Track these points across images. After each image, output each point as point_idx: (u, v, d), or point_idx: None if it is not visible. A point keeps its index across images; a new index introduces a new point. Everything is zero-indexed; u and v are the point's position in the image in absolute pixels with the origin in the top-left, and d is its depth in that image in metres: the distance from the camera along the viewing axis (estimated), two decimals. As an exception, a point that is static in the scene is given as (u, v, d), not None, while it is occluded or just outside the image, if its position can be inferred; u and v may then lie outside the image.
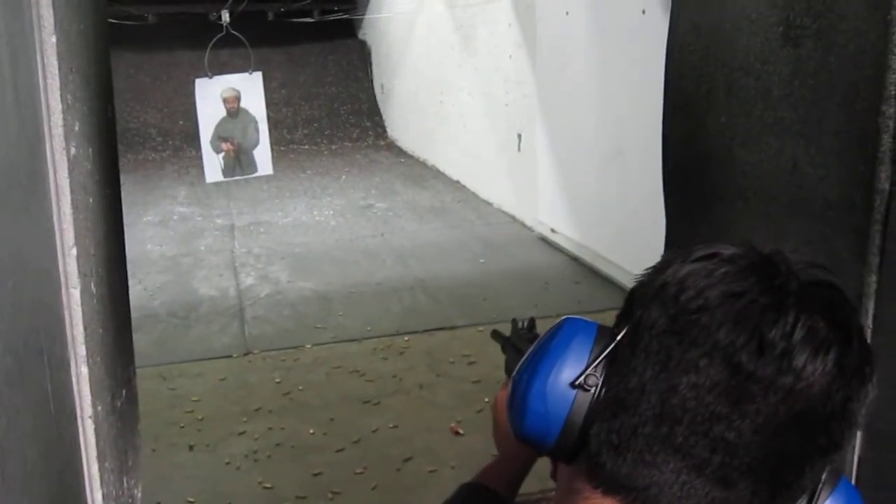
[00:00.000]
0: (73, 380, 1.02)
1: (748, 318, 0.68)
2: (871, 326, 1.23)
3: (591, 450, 0.73)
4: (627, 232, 5.86)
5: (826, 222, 1.35)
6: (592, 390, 0.74)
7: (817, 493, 0.75)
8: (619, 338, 0.74)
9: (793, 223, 1.43)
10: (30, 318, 0.82)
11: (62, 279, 0.99)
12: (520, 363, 0.80)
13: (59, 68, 0.97)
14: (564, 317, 0.81)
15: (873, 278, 1.23)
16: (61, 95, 0.98)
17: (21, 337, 0.76)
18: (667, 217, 1.83)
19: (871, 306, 1.24)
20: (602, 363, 0.74)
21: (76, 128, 1.05)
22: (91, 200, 1.13)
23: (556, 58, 6.93)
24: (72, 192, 1.00)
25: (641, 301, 0.74)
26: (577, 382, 0.74)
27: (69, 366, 1.01)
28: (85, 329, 1.03)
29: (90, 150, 1.14)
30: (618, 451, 0.71)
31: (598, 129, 6.30)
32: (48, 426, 0.87)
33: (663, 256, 0.77)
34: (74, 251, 1.01)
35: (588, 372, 0.74)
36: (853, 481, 1.28)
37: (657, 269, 0.75)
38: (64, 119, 0.99)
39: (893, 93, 1.18)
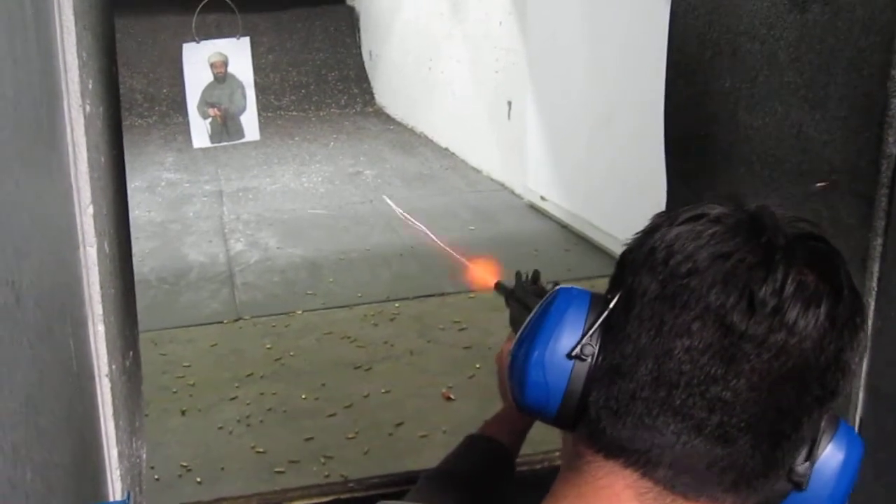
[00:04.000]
0: (91, 338, 1.03)
1: (737, 278, 0.69)
2: (875, 289, 1.25)
3: (591, 416, 0.74)
4: (617, 199, 5.87)
5: (831, 187, 1.36)
6: (589, 359, 0.75)
7: (818, 440, 0.76)
8: (611, 306, 0.75)
9: (797, 188, 1.43)
10: (53, 275, 0.83)
11: (80, 238, 1.00)
12: (517, 335, 0.81)
13: (75, 24, 0.97)
14: (558, 287, 0.81)
15: (879, 241, 1.24)
16: (77, 52, 0.97)
17: (47, 294, 0.77)
18: (668, 182, 1.83)
19: (875, 269, 1.25)
20: (597, 332, 0.75)
21: (90, 85, 1.04)
22: (102, 160, 1.13)
23: (547, 24, 6.90)
24: (87, 150, 1.00)
25: (632, 267, 0.75)
26: (573, 353, 0.75)
27: (87, 324, 1.01)
28: (101, 288, 1.03)
29: (101, 108, 1.14)
30: (617, 416, 0.72)
31: (589, 97, 6.29)
32: (72, 383, 0.88)
33: (651, 220, 0.77)
34: (91, 210, 1.01)
35: (584, 342, 0.75)
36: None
37: (646, 233, 0.76)
38: (80, 76, 0.98)
39: (903, 57, 1.19)
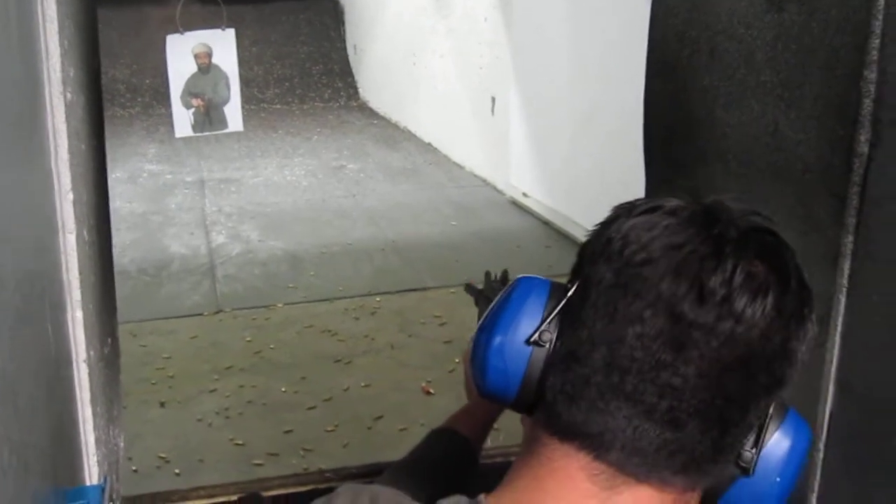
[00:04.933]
0: (69, 324, 1.03)
1: (688, 268, 0.70)
2: (846, 286, 1.27)
3: (548, 400, 0.76)
4: (599, 196, 5.89)
5: (804, 185, 1.37)
6: (547, 345, 0.77)
7: (765, 426, 0.78)
8: (569, 294, 0.77)
9: (771, 185, 1.45)
10: (33, 260, 0.83)
11: (59, 224, 1.00)
12: (479, 323, 0.83)
13: (57, 12, 0.97)
14: (519, 276, 0.83)
15: (850, 239, 1.26)
16: (59, 40, 0.98)
17: (27, 278, 0.77)
18: (647, 180, 1.85)
19: (846, 266, 1.27)
20: (555, 319, 0.77)
21: (71, 73, 1.05)
22: (83, 147, 1.13)
23: (532, 20, 6.91)
24: (68, 137, 1.01)
25: (589, 257, 0.77)
26: (532, 339, 0.77)
27: (65, 310, 1.02)
28: (80, 274, 1.04)
29: (82, 97, 1.15)
30: (572, 400, 0.74)
31: (572, 94, 6.32)
32: (50, 367, 0.89)
33: (611, 211, 0.79)
34: (71, 196, 1.01)
35: (542, 328, 0.77)
36: (824, 436, 1.31)
37: (604, 225, 0.78)
38: (61, 64, 0.99)
39: (875, 58, 1.20)
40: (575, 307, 0.76)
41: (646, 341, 0.71)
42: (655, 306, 0.71)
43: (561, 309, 0.77)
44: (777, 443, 0.79)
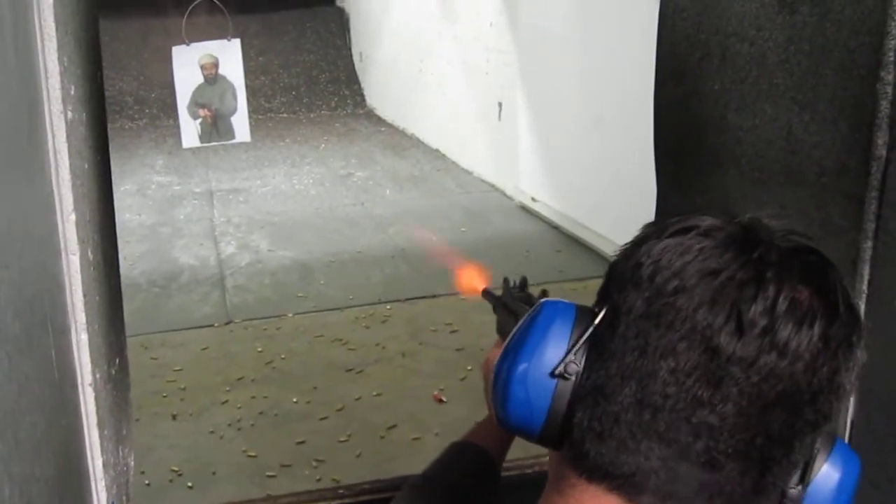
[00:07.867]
0: (74, 347, 1.02)
1: (725, 297, 0.65)
2: (865, 292, 1.24)
3: (575, 437, 0.72)
4: (608, 200, 5.87)
5: (820, 188, 1.35)
6: (573, 378, 0.72)
7: (812, 461, 0.73)
8: (596, 322, 0.72)
9: (786, 189, 1.43)
10: (34, 284, 0.82)
11: (62, 245, 0.98)
12: (502, 350, 0.78)
13: (56, 29, 0.96)
14: (542, 300, 0.78)
15: (869, 244, 1.24)
16: (58, 57, 0.96)
17: (27, 304, 0.76)
18: (658, 185, 1.83)
19: (866, 272, 1.24)
20: (582, 348, 0.72)
21: (72, 91, 1.03)
22: (86, 166, 1.11)
23: (538, 25, 6.89)
24: (69, 156, 0.99)
25: (618, 282, 0.72)
26: (556, 372, 0.72)
27: (70, 333, 1.00)
28: (84, 296, 1.02)
29: (84, 114, 1.13)
30: (601, 439, 0.69)
31: (579, 98, 6.29)
32: (53, 393, 0.87)
33: (640, 230, 0.74)
34: (73, 217, 1.00)
35: (567, 360, 0.72)
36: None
37: (634, 245, 0.73)
38: (61, 82, 0.97)
39: (892, 59, 1.18)
40: (603, 336, 0.71)
41: (679, 377, 0.66)
42: (690, 339, 0.66)
43: (588, 338, 0.72)
44: (825, 477, 0.74)
